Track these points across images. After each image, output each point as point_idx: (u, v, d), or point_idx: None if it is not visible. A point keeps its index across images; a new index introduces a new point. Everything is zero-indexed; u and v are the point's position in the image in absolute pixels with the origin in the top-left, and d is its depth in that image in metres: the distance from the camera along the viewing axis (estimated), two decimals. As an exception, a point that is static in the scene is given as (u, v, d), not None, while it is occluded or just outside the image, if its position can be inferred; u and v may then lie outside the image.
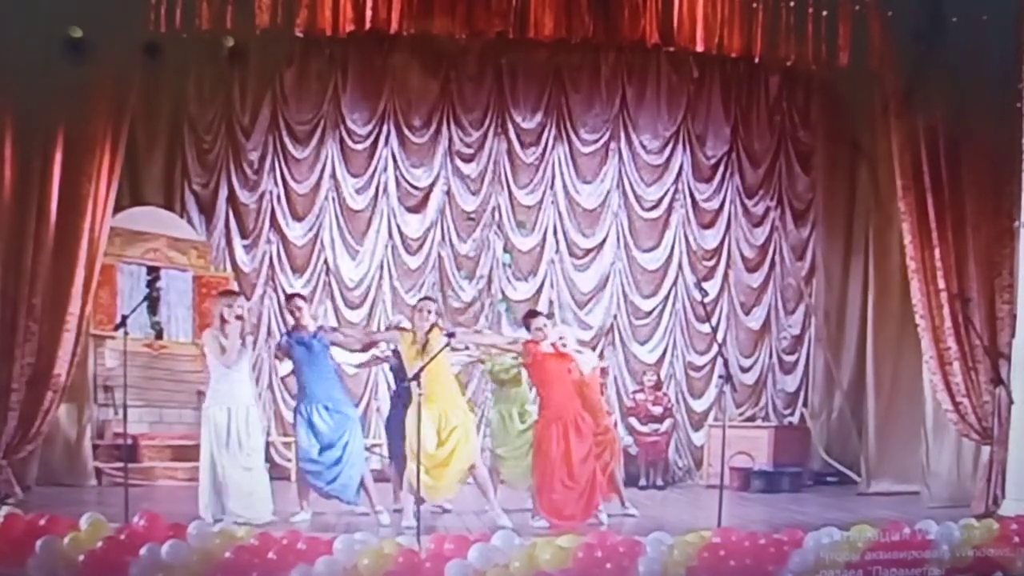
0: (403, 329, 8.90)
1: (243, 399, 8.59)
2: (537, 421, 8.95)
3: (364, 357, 9.39)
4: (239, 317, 8.54)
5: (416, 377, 7.66)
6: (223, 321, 8.51)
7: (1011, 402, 9.47)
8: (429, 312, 8.60)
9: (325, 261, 12.46)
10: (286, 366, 9.16)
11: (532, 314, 9.29)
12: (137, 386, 11.01)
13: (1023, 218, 9.61)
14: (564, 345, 8.85)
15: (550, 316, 11.51)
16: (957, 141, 9.84)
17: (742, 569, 6.21)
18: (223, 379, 8.54)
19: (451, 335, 8.11)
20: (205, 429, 8.53)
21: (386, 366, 9.83)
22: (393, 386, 9.44)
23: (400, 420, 8.72)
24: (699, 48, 9.76)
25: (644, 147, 12.75)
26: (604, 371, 11.51)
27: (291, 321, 9.23)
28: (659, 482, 11.99)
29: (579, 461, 8.64)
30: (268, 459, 12.02)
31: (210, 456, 8.46)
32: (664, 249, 12.82)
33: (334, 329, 9.38)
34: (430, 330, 8.50)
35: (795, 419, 12.77)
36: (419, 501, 7.78)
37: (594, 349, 11.88)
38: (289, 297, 9.59)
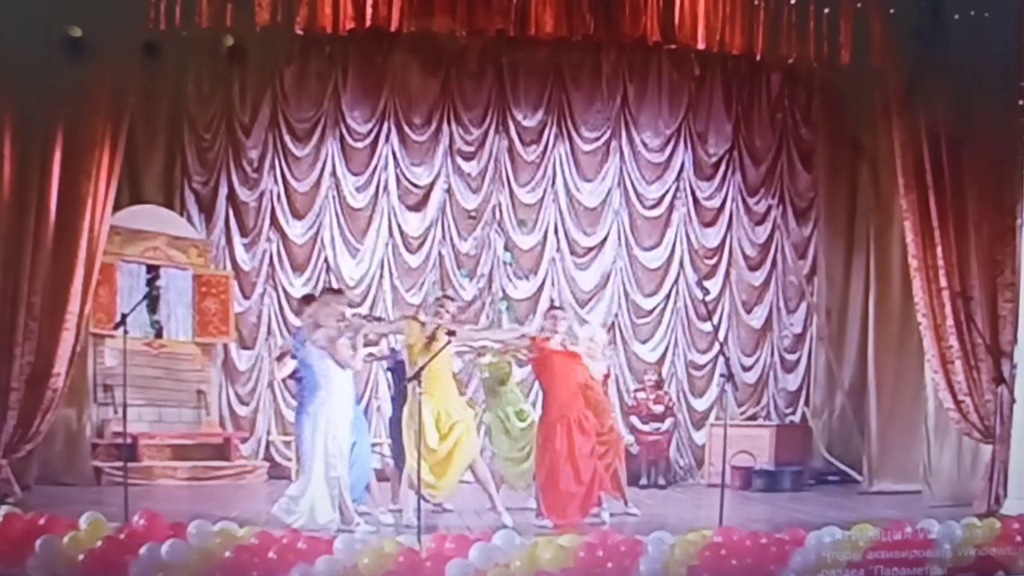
0: (413, 318, 8.83)
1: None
2: (541, 419, 8.92)
3: (360, 357, 9.16)
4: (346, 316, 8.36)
5: (417, 376, 7.65)
6: (341, 320, 8.19)
7: (1013, 401, 9.47)
8: (447, 312, 8.62)
9: (325, 260, 12.45)
10: (288, 367, 9.10)
11: (552, 308, 9.43)
12: (137, 385, 11.00)
13: (1024, 216, 9.62)
14: (592, 340, 9.02)
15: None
16: (959, 139, 9.81)
17: (743, 568, 6.20)
18: (345, 383, 8.13)
19: (452, 333, 8.09)
20: (344, 437, 8.12)
21: (385, 364, 9.77)
22: (393, 386, 9.38)
23: (399, 419, 8.70)
24: (700, 46, 9.76)
25: (645, 145, 12.74)
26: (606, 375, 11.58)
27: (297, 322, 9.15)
28: (660, 481, 11.97)
29: (583, 459, 8.64)
30: (268, 458, 12.11)
31: (328, 464, 8.08)
32: (665, 247, 12.81)
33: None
34: (437, 327, 8.50)
35: (797, 418, 12.75)
36: (420, 500, 7.75)
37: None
38: (302, 299, 9.46)
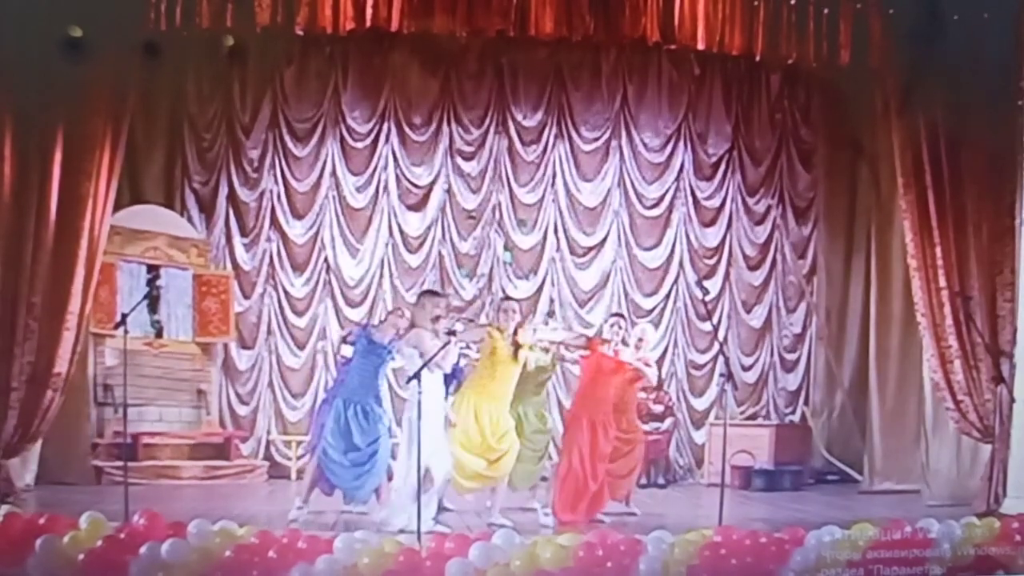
0: (496, 328, 8.71)
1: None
2: (569, 412, 9.22)
3: (451, 361, 8.67)
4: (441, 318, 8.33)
5: (416, 377, 7.62)
6: (435, 322, 8.18)
7: (1012, 400, 9.49)
8: (514, 312, 8.66)
9: (325, 259, 12.45)
10: (347, 349, 9.10)
11: (615, 315, 9.76)
12: (137, 384, 10.99)
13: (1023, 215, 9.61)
14: (640, 343, 9.13)
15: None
16: (958, 139, 9.83)
17: (743, 568, 6.20)
18: (434, 384, 8.05)
19: (452, 333, 8.10)
20: (440, 441, 8.11)
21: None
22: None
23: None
24: (700, 46, 9.76)
25: (645, 145, 12.75)
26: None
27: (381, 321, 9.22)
28: (660, 480, 11.98)
29: (600, 460, 8.84)
30: (268, 458, 12.12)
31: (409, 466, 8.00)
32: (665, 247, 12.82)
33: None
34: (516, 331, 8.55)
35: (796, 417, 12.77)
36: (420, 501, 7.74)
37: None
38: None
